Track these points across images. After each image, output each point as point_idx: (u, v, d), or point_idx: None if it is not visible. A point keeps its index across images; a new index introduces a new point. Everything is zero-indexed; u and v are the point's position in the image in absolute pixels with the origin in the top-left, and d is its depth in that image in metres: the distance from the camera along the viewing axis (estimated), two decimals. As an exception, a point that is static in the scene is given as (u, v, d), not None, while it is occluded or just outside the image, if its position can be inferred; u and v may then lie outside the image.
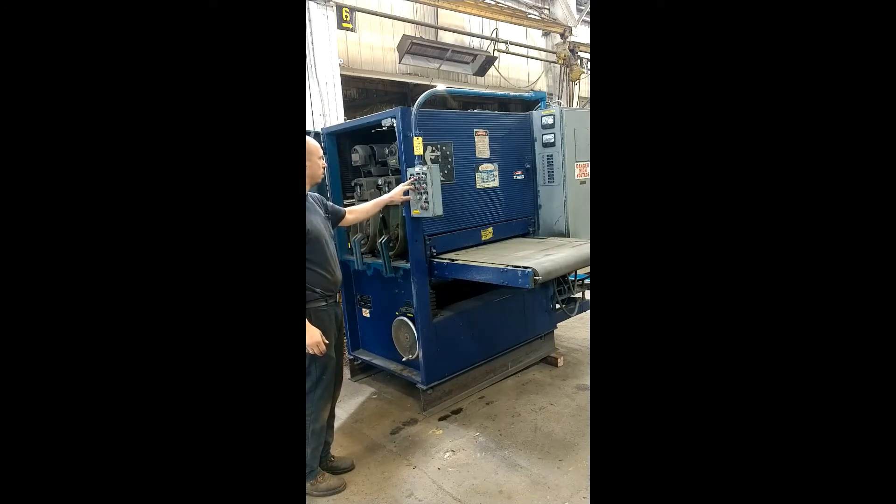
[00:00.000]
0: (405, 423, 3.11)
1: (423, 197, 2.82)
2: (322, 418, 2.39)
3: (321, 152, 2.38)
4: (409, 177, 2.88)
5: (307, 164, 2.26)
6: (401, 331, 3.31)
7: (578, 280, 3.67)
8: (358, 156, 3.40)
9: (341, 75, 5.47)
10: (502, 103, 4.08)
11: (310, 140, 2.34)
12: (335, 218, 2.61)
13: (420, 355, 3.14)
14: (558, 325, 4.02)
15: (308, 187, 2.35)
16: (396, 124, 2.91)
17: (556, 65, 8.61)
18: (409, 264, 3.08)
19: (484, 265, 2.82)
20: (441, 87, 3.44)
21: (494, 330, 3.52)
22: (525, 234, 3.70)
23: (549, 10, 8.57)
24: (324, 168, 2.39)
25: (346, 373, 3.86)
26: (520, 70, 8.61)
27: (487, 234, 3.45)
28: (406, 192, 2.89)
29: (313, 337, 2.15)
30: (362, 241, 3.39)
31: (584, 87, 8.92)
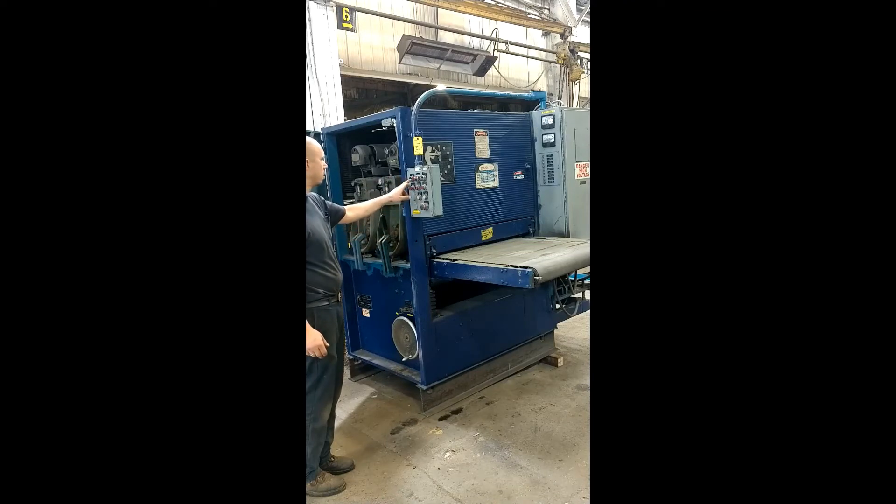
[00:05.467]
0: (405, 423, 3.11)
1: (423, 197, 2.82)
2: (322, 418, 2.39)
3: (323, 153, 2.39)
4: (409, 176, 2.88)
5: (309, 164, 2.27)
6: (401, 331, 3.31)
7: (578, 280, 3.67)
8: (358, 156, 3.40)
9: (341, 75, 5.47)
10: (502, 103, 4.08)
11: (312, 141, 2.34)
12: (335, 217, 2.62)
13: (420, 355, 3.14)
14: (558, 325, 4.02)
15: (308, 188, 2.35)
16: (396, 124, 2.91)
17: (556, 65, 8.61)
18: (409, 264, 3.08)
19: (484, 265, 2.82)
20: (441, 87, 3.44)
21: (494, 330, 3.52)
22: (525, 234, 3.70)
23: (549, 10, 8.57)
24: (325, 169, 2.40)
25: (346, 373, 3.86)
26: (520, 70, 8.61)
27: (487, 234, 3.45)
28: (406, 191, 2.90)
29: (315, 340, 2.15)
30: (362, 241, 3.39)
31: (584, 87, 8.92)
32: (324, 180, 3.60)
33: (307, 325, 2.16)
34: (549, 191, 3.68)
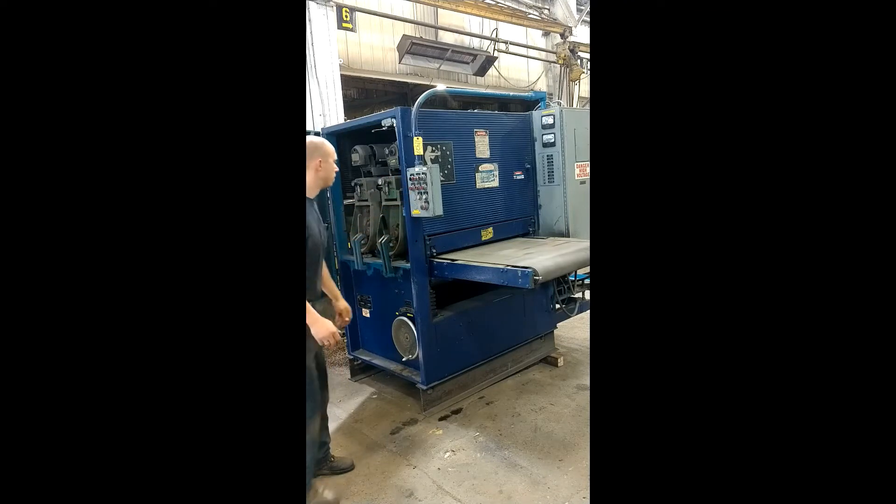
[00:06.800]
0: (405, 423, 3.11)
1: (423, 197, 2.82)
2: (311, 430, 2.26)
3: (335, 154, 2.32)
4: (409, 177, 2.88)
5: (322, 165, 2.21)
6: (401, 331, 3.31)
7: (578, 280, 3.67)
8: (358, 156, 3.40)
9: (341, 75, 5.46)
10: (502, 103, 4.08)
11: (325, 142, 2.26)
12: None
13: (420, 355, 3.15)
14: (558, 325, 4.02)
15: (318, 189, 2.28)
16: (396, 124, 2.91)
17: (556, 65, 8.61)
18: (409, 264, 3.08)
19: (484, 265, 2.82)
20: (441, 87, 3.44)
21: (494, 330, 3.52)
22: (525, 234, 3.70)
23: (549, 10, 8.57)
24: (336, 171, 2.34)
25: (346, 373, 3.87)
26: (520, 70, 8.61)
27: (487, 234, 3.45)
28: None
29: (326, 328, 2.07)
30: (362, 241, 3.39)
31: (584, 87, 8.92)
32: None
33: (315, 314, 2.09)
34: (549, 191, 3.68)
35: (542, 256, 2.84)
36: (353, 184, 3.50)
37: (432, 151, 3.06)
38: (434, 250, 3.12)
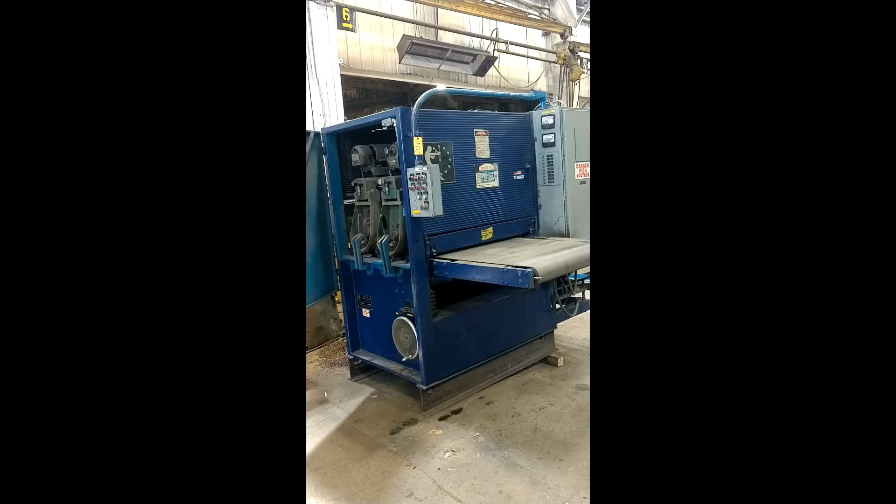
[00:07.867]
0: (405, 423, 3.11)
1: (423, 197, 2.83)
2: None
3: None
4: (409, 177, 2.88)
5: None
6: (401, 331, 3.31)
7: (578, 280, 3.67)
8: (358, 156, 3.40)
9: (341, 75, 5.46)
10: (502, 103, 4.10)
11: None
12: None
13: (420, 355, 3.15)
14: (558, 325, 4.02)
15: None
16: (396, 124, 2.92)
17: (556, 65, 8.61)
18: (409, 264, 3.08)
19: (484, 265, 2.82)
20: (441, 87, 3.44)
21: (494, 330, 3.52)
22: (525, 234, 3.70)
23: (549, 10, 8.57)
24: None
25: (346, 373, 3.87)
26: (520, 70, 8.60)
27: (487, 234, 3.45)
28: None
29: None
30: (362, 241, 3.40)
31: (584, 87, 8.92)
32: (324, 180, 3.63)
33: None
34: (549, 191, 3.68)
35: (526, 255, 2.87)
36: (353, 184, 3.51)
37: (432, 151, 3.06)
38: (434, 250, 3.12)
